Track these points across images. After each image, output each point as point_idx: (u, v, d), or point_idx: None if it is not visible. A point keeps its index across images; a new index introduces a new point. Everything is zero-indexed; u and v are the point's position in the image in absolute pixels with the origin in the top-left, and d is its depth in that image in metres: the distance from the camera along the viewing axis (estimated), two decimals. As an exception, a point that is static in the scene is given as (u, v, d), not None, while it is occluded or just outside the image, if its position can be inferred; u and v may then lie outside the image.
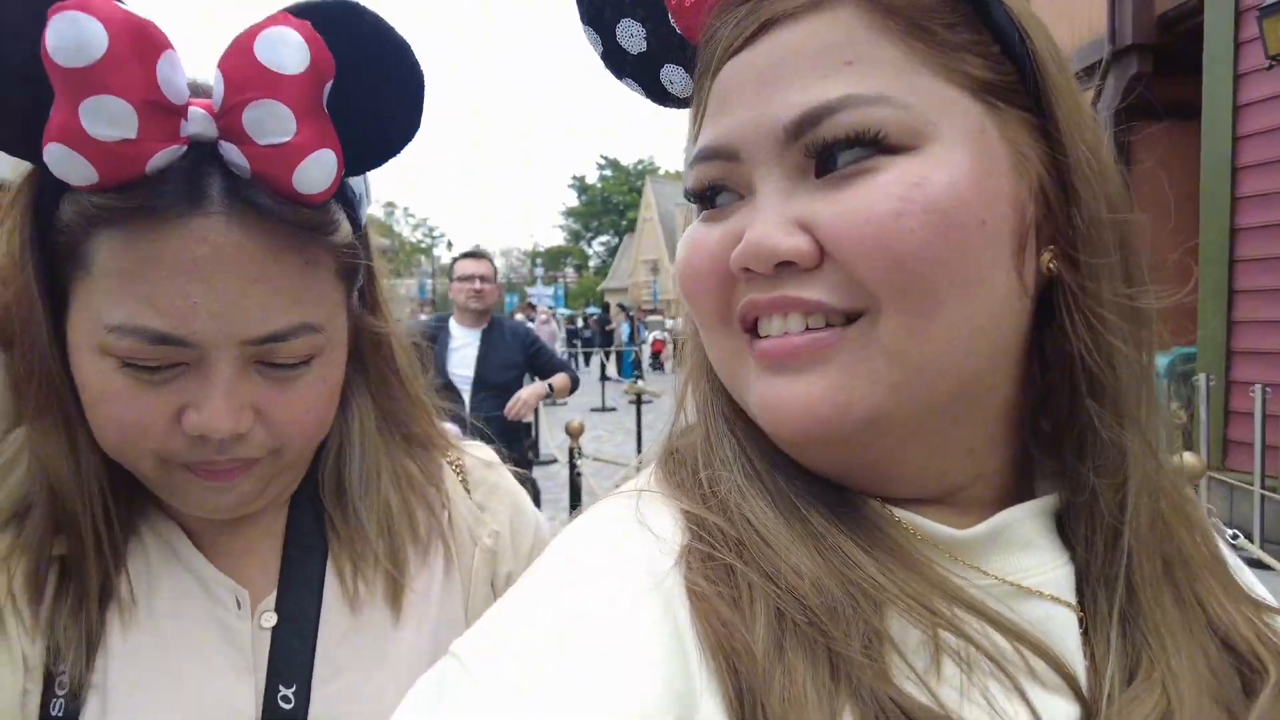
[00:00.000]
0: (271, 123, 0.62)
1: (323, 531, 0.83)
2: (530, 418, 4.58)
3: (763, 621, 0.46)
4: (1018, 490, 0.59)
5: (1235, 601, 0.56)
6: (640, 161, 72.35)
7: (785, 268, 0.48)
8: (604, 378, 16.60)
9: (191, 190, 0.64)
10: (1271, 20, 5.11)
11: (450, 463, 0.94)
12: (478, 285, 4.26)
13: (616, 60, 0.64)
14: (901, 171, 0.47)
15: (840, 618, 0.46)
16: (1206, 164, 6.11)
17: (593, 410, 14.79)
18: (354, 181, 0.77)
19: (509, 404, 4.22)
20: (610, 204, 72.35)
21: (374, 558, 0.82)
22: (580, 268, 73.02)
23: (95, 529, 0.73)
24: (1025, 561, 0.54)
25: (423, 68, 0.70)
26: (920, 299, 0.47)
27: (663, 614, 0.47)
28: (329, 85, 0.65)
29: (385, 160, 0.74)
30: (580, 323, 28.32)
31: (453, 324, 4.29)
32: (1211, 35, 6.06)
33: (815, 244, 0.48)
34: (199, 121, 0.64)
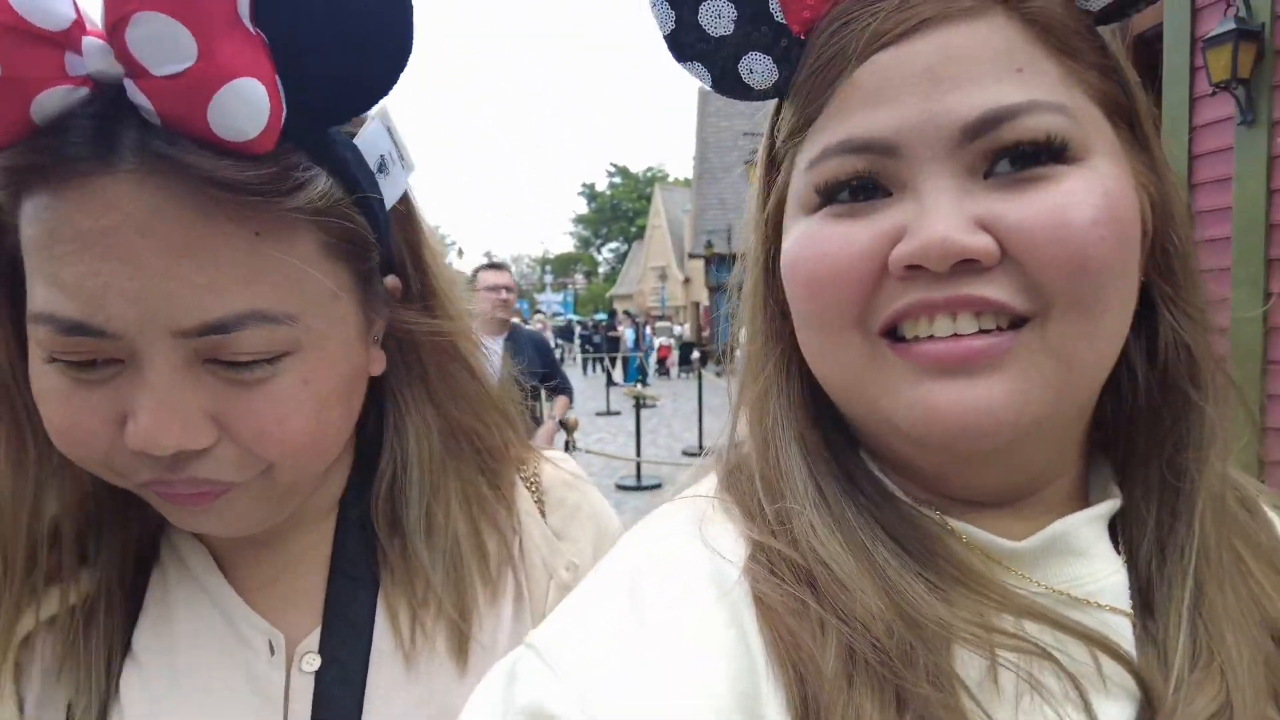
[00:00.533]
0: (162, 44, 0.47)
1: (374, 559, 0.71)
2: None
3: (834, 652, 0.47)
4: (1078, 496, 0.59)
5: None
6: (649, 169, 72.92)
7: (961, 266, 0.47)
8: (609, 383, 17.03)
9: (97, 143, 0.51)
10: (1214, 51, 5.50)
11: (525, 478, 0.82)
12: (503, 295, 4.51)
13: (688, 41, 0.58)
14: (1086, 181, 0.47)
15: (910, 657, 0.47)
16: (1166, 181, 6.49)
17: (598, 414, 15.21)
18: (368, 132, 0.64)
19: None
20: (620, 211, 72.88)
21: (436, 604, 0.70)
22: (590, 274, 73.48)
23: (68, 561, 0.64)
24: (1078, 570, 0.54)
25: None
26: (1092, 304, 0.47)
27: (730, 618, 0.49)
28: None
29: (367, 102, 0.58)
30: (592, 326, 28.54)
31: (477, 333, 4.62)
32: (1169, 60, 6.45)
33: (997, 244, 0.47)
34: (97, 56, 0.50)
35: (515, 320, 4.88)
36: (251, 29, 0.51)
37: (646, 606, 0.49)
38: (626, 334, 25.83)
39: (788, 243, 0.54)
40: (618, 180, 73.70)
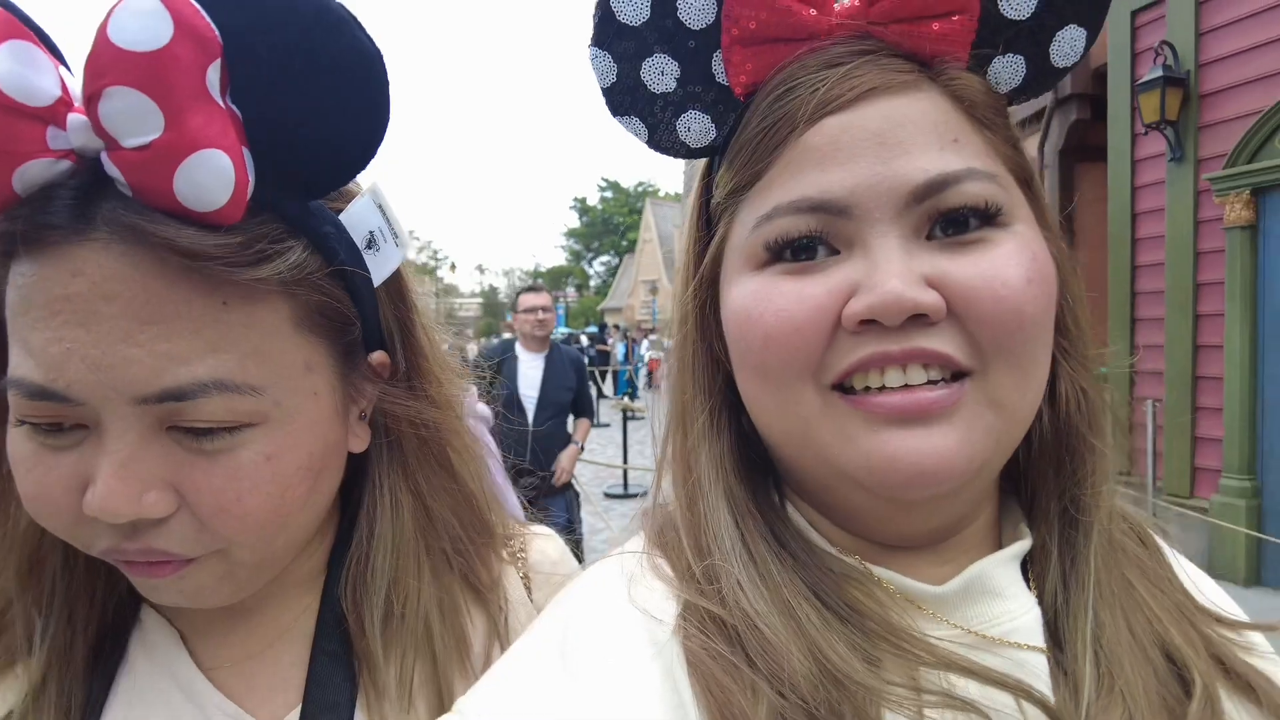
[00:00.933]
0: (130, 117, 0.50)
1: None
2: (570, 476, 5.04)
3: (765, 711, 0.48)
4: (992, 535, 0.62)
5: (1175, 615, 0.59)
6: (640, 184, 73.33)
7: (911, 321, 0.50)
8: (600, 396, 17.48)
9: (73, 213, 0.52)
10: (1145, 95, 6.01)
11: (513, 554, 0.83)
12: (540, 315, 4.79)
13: (628, 94, 0.59)
14: (1018, 244, 0.52)
15: (838, 715, 0.48)
16: (1112, 211, 6.99)
17: (588, 426, 15.61)
18: (356, 208, 0.65)
19: (556, 472, 4.70)
20: (611, 225, 73.33)
21: (407, 700, 0.68)
22: (581, 287, 73.83)
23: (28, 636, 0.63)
24: (995, 610, 0.56)
25: (375, 47, 0.57)
26: (1024, 357, 0.51)
27: (664, 673, 0.51)
28: (214, 67, 0.52)
29: (343, 177, 0.60)
30: (585, 341, 28.71)
31: (519, 349, 4.86)
32: (1113, 100, 6.96)
33: (943, 300, 0.50)
34: (80, 130, 0.52)
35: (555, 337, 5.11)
36: (221, 103, 0.53)
37: (580, 666, 0.51)
38: (618, 349, 26.24)
39: (734, 298, 0.56)
40: (609, 194, 74.09)
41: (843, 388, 0.52)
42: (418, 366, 0.74)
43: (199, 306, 0.55)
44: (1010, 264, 0.51)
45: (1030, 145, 9.14)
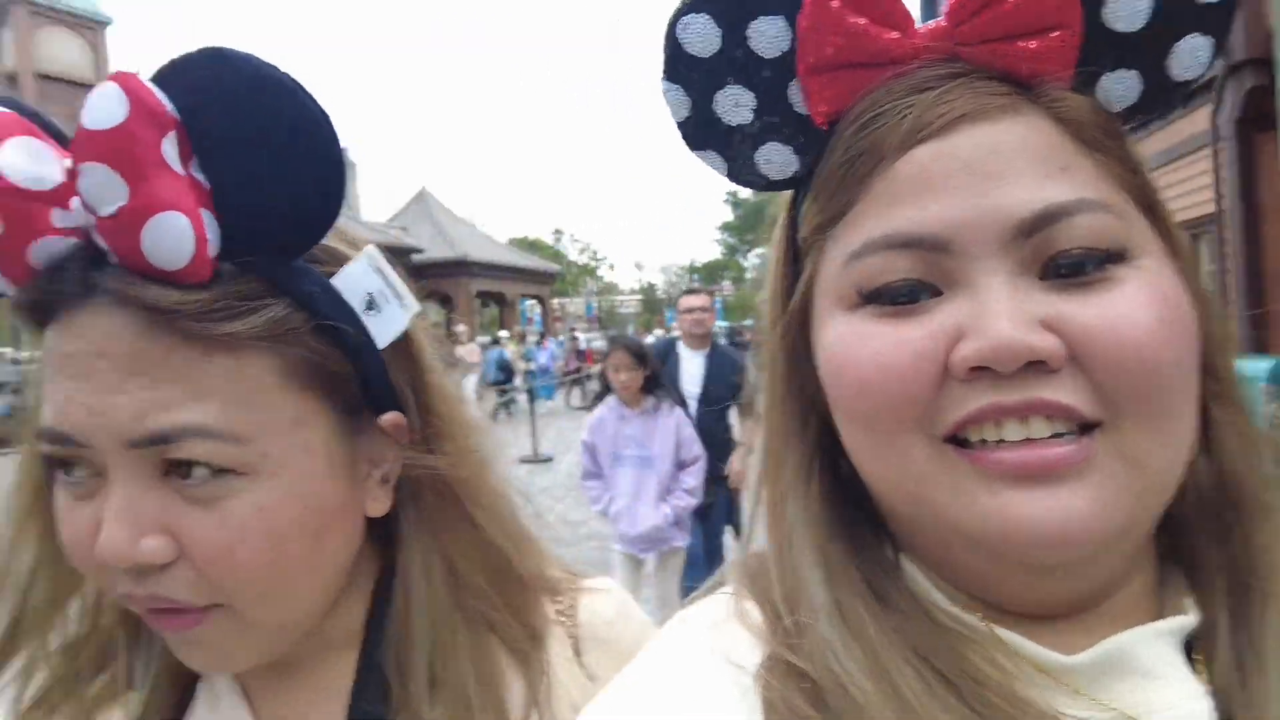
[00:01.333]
0: (101, 188, 0.57)
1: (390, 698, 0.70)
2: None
3: None
4: (1146, 607, 0.54)
5: None
6: (794, 172, 72.00)
7: (1027, 368, 0.45)
8: (757, 388, 17.66)
9: (78, 283, 0.59)
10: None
11: (561, 612, 0.81)
12: (697, 315, 5.18)
13: (703, 128, 0.58)
14: (1145, 281, 0.47)
15: None
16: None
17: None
18: (349, 271, 0.68)
19: (732, 477, 4.89)
20: (765, 216, 72.56)
21: None
22: (737, 280, 73.75)
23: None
24: (1148, 695, 0.49)
25: (322, 111, 0.61)
26: (1160, 405, 0.47)
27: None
28: (169, 139, 0.58)
29: (311, 235, 0.64)
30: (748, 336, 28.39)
31: (681, 347, 5.23)
32: (1281, 68, 6.64)
33: (1063, 345, 0.46)
34: (80, 211, 0.59)
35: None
36: (182, 170, 0.59)
37: (672, 710, 0.50)
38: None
39: (828, 340, 0.53)
40: (763, 186, 73.26)
41: (957, 440, 0.48)
42: (433, 426, 0.75)
43: (180, 357, 0.59)
44: (1137, 303, 0.47)
45: (1202, 117, 8.73)
